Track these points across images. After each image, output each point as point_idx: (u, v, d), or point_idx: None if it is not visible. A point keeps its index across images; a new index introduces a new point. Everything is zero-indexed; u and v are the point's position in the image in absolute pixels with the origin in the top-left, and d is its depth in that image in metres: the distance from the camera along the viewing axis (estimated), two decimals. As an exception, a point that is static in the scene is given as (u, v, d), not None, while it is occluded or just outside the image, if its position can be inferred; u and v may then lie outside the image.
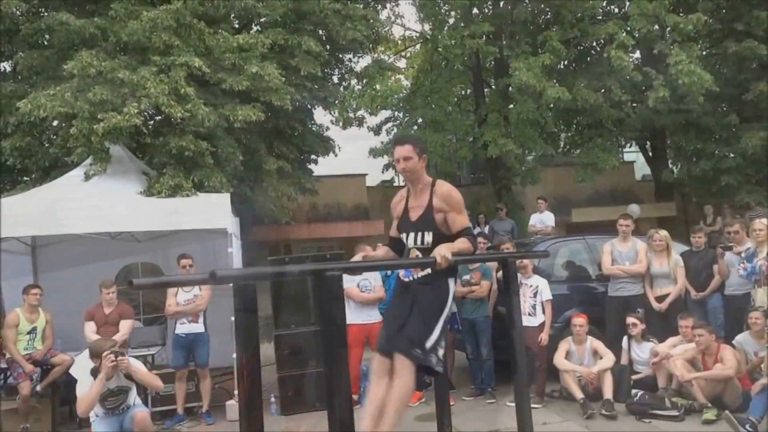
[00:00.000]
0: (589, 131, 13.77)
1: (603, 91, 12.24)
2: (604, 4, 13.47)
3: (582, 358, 5.61)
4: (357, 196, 15.71)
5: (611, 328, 5.98)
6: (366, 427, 2.79)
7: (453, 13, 14.65)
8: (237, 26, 9.43)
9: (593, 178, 12.95)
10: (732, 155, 12.26)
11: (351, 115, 15.36)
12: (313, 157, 11.49)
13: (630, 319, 5.67)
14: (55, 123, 7.92)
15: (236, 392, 5.79)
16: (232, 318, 5.72)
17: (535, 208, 10.64)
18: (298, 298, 6.03)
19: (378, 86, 15.64)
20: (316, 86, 9.37)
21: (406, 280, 3.06)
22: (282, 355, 5.93)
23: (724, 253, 5.94)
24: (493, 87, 14.66)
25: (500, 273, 5.65)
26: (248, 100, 7.87)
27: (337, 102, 12.00)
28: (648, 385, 5.39)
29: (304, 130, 10.56)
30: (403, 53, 18.07)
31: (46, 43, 8.47)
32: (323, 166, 12.27)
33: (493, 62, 14.69)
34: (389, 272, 6.29)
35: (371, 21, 10.51)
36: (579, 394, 5.30)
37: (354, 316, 5.65)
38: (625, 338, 5.77)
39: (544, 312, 5.74)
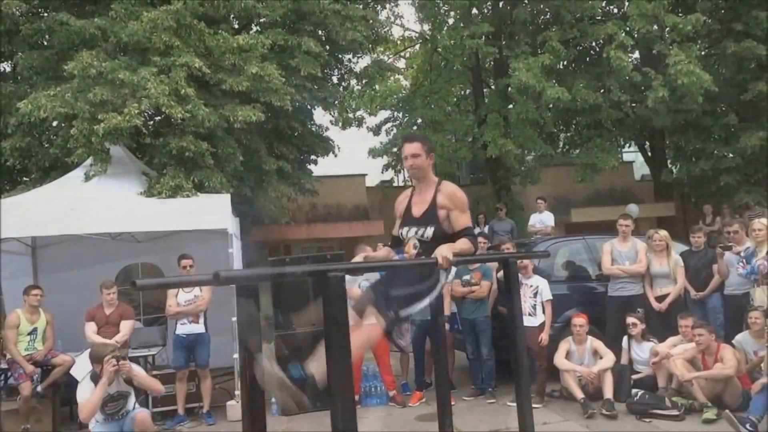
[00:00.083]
0: (589, 131, 13.79)
1: (602, 91, 12.26)
2: (604, 4, 13.49)
3: (582, 357, 5.63)
4: (357, 197, 15.72)
5: (611, 328, 5.99)
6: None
7: (452, 13, 14.67)
8: (237, 27, 9.43)
9: (592, 178, 12.97)
10: (731, 155, 12.27)
11: (350, 115, 15.39)
12: (312, 157, 11.48)
13: (630, 319, 5.68)
14: (55, 123, 7.91)
15: (237, 392, 5.81)
16: (233, 318, 5.79)
17: (534, 208, 10.65)
18: (299, 298, 6.03)
19: (377, 87, 15.67)
20: (315, 87, 9.37)
21: None
22: (282, 355, 5.93)
23: (724, 252, 5.95)
24: (493, 87, 14.67)
25: (500, 273, 5.69)
26: (248, 100, 7.87)
27: (336, 102, 12.00)
28: (648, 384, 5.40)
29: (303, 131, 10.55)
30: (402, 53, 18.08)
31: (46, 43, 8.45)
32: (323, 167, 12.28)
33: (492, 62, 14.70)
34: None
35: (371, 21, 10.51)
36: (579, 394, 5.31)
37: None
38: (625, 338, 5.78)
39: (544, 312, 5.76)
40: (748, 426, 4.35)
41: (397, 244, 3.23)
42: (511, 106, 13.18)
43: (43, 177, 8.07)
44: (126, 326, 5.95)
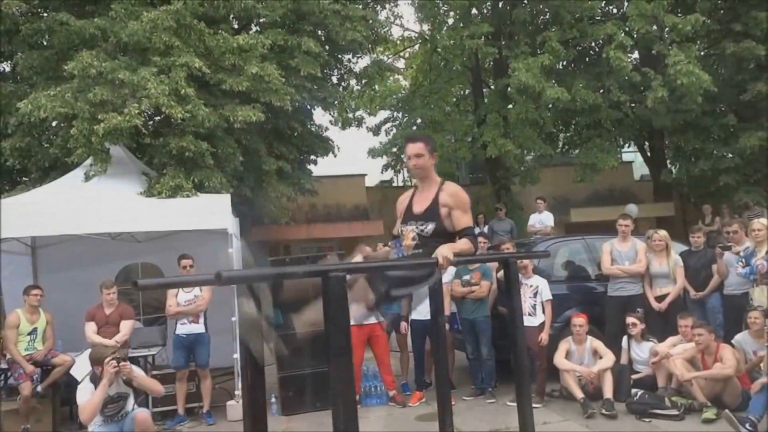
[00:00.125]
0: (588, 131, 13.80)
1: (602, 91, 12.28)
2: (603, 4, 13.51)
3: (582, 357, 5.63)
4: (356, 197, 15.73)
5: (611, 328, 6.00)
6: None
7: (452, 13, 14.68)
8: (236, 27, 9.44)
9: (592, 178, 12.98)
10: (730, 155, 12.30)
11: (350, 115, 15.40)
12: (312, 157, 11.49)
13: (630, 319, 5.69)
14: (54, 123, 7.91)
15: (237, 392, 5.82)
16: (233, 318, 5.79)
17: (534, 208, 10.66)
18: (299, 298, 6.03)
19: (377, 87, 15.68)
20: (315, 87, 9.37)
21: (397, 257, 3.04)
22: (282, 355, 5.93)
23: (723, 252, 5.96)
24: (492, 87, 14.68)
25: (500, 273, 5.70)
26: (248, 100, 7.88)
27: (336, 102, 12.00)
28: (648, 384, 5.41)
29: (303, 131, 10.56)
30: (402, 54, 18.09)
31: (46, 43, 8.45)
32: (323, 167, 12.29)
33: (492, 63, 14.72)
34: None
35: (371, 21, 10.52)
36: (579, 394, 5.32)
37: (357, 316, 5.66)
38: (624, 338, 5.79)
39: (544, 312, 5.77)
40: (747, 426, 4.35)
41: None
42: (510, 106, 13.19)
43: (43, 177, 8.07)
44: (126, 326, 5.96)
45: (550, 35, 11.92)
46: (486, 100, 14.46)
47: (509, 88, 12.29)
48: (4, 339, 5.78)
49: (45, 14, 8.41)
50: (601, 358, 5.55)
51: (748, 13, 11.57)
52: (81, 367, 5.15)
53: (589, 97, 11.61)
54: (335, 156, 11.39)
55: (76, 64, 6.95)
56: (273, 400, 5.97)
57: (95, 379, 4.34)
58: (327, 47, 9.69)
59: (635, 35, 12.23)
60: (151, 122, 8.10)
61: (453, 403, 3.70)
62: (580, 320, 5.65)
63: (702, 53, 12.85)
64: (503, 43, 13.22)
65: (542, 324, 5.72)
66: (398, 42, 17.05)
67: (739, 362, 5.04)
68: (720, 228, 9.45)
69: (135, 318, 6.42)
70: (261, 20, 9.34)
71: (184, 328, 5.93)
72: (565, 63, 13.62)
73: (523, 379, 3.06)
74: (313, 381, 5.82)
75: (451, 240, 2.97)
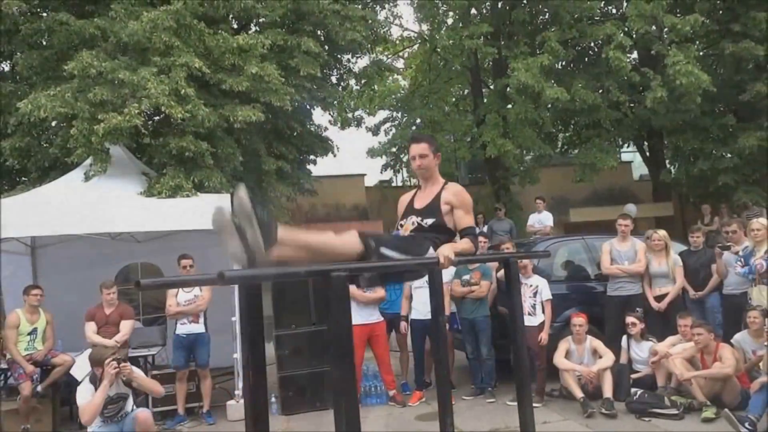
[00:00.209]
0: (587, 131, 13.82)
1: (601, 91, 12.29)
2: (602, 4, 13.52)
3: (582, 357, 5.65)
4: (356, 197, 15.74)
5: (610, 328, 6.02)
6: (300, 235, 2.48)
7: (451, 13, 14.69)
8: (236, 27, 9.43)
9: (591, 178, 13.00)
10: (729, 155, 12.33)
11: (349, 115, 15.40)
12: (312, 157, 11.48)
13: (629, 319, 5.70)
14: (54, 123, 7.90)
15: (237, 392, 5.82)
16: (233, 318, 5.79)
17: (533, 208, 10.68)
18: (299, 298, 6.04)
19: (376, 87, 15.67)
20: (315, 87, 9.37)
21: None
22: (282, 355, 5.94)
23: (722, 252, 5.98)
24: (492, 87, 14.69)
25: (500, 273, 5.71)
26: (248, 100, 7.88)
27: (335, 102, 12.00)
28: (647, 383, 5.42)
29: (303, 131, 10.55)
30: (401, 54, 18.10)
31: (46, 43, 8.43)
32: (322, 167, 12.28)
33: (491, 63, 14.73)
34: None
35: (370, 21, 10.52)
36: (579, 393, 5.33)
37: (355, 316, 5.67)
38: (624, 337, 5.80)
39: (543, 312, 5.78)
40: (746, 425, 4.37)
41: None
42: (510, 106, 13.20)
43: (43, 177, 8.06)
44: (126, 326, 5.96)
45: (549, 35, 11.93)
46: (485, 100, 14.47)
47: (508, 88, 12.29)
48: (4, 339, 5.78)
49: (45, 14, 8.40)
50: (600, 357, 5.56)
51: (747, 14, 11.59)
52: (81, 367, 5.15)
53: (588, 97, 11.62)
54: (335, 156, 11.39)
55: (76, 64, 6.94)
56: (273, 400, 5.97)
57: (95, 380, 4.34)
58: (326, 47, 9.69)
59: (634, 35, 12.24)
60: (150, 122, 8.09)
61: (453, 402, 3.71)
62: (579, 320, 5.66)
63: (701, 53, 12.88)
64: (502, 43, 13.23)
65: (542, 324, 5.73)
66: (397, 42, 17.05)
67: (738, 361, 5.06)
68: (719, 228, 9.46)
69: (135, 318, 6.42)
70: (261, 20, 9.33)
71: (184, 327, 5.93)
72: (564, 63, 13.63)
73: (523, 378, 3.06)
74: (313, 381, 5.83)
75: (449, 236, 2.97)
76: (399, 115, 16.31)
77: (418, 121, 14.86)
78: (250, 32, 9.05)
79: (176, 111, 6.98)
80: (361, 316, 5.77)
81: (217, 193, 7.23)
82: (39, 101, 6.84)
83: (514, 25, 13.17)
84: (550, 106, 12.51)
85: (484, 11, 14.11)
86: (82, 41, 7.72)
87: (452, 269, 5.65)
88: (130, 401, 4.52)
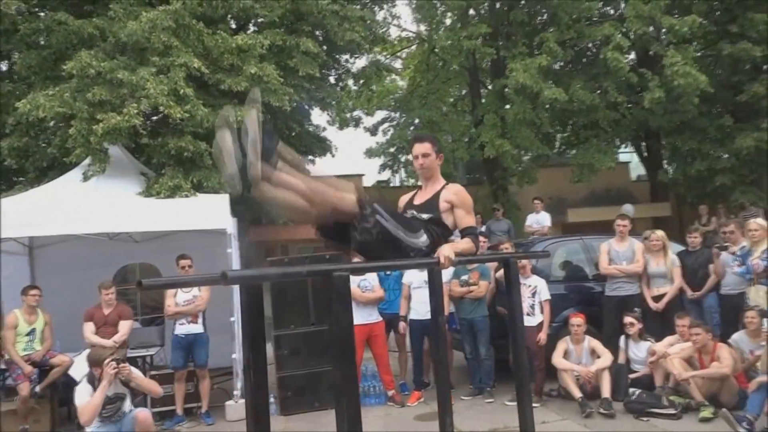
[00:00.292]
0: (585, 132, 13.86)
1: (599, 92, 12.33)
2: (600, 5, 13.56)
3: (580, 357, 5.65)
4: (354, 197, 15.71)
5: (609, 328, 6.02)
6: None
7: (450, 14, 14.71)
8: (235, 27, 9.44)
9: (589, 178, 13.04)
10: (726, 156, 12.37)
11: (347, 115, 15.41)
12: (310, 157, 11.49)
13: (627, 319, 5.71)
14: (53, 123, 7.90)
15: (235, 392, 5.82)
16: (231, 318, 5.78)
17: (531, 209, 10.69)
18: (298, 298, 6.04)
19: (374, 87, 15.68)
20: (313, 87, 9.39)
21: None
22: (281, 355, 5.94)
23: (720, 252, 5.99)
24: (490, 88, 14.72)
25: (499, 273, 5.72)
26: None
27: (334, 103, 12.02)
28: (645, 383, 5.43)
29: (301, 131, 10.57)
30: (399, 54, 18.11)
31: (44, 43, 8.44)
32: (321, 167, 12.28)
33: (489, 63, 14.76)
34: (388, 272, 6.33)
35: (368, 22, 10.54)
36: (577, 393, 5.34)
37: (354, 316, 5.66)
38: (622, 337, 5.81)
39: (542, 312, 5.79)
40: (744, 424, 4.39)
41: None
42: (508, 106, 13.23)
43: (41, 177, 8.06)
44: (124, 326, 5.94)
45: (547, 36, 11.97)
46: (483, 101, 14.49)
47: (507, 89, 12.33)
48: (3, 339, 5.76)
49: (43, 14, 8.41)
50: (598, 357, 5.57)
51: (744, 15, 11.64)
52: (79, 368, 5.14)
53: (586, 97, 11.66)
54: (333, 156, 11.41)
55: (74, 63, 6.94)
56: (272, 400, 5.97)
57: (93, 380, 4.33)
58: (325, 47, 9.71)
59: (632, 36, 12.28)
60: (149, 122, 8.09)
61: (452, 402, 3.71)
62: (578, 320, 5.67)
63: (698, 54, 12.92)
64: (501, 43, 13.26)
65: (540, 324, 5.74)
66: (396, 42, 17.08)
67: (736, 361, 5.07)
68: (716, 228, 9.49)
69: (133, 318, 6.41)
70: (259, 20, 9.34)
71: (183, 328, 5.92)
72: (562, 64, 13.67)
73: (523, 378, 3.07)
74: (312, 381, 5.83)
75: (445, 231, 2.97)
76: (397, 115, 16.33)
77: (417, 121, 14.87)
78: (248, 32, 9.07)
79: (175, 111, 6.98)
80: (360, 316, 5.76)
81: (215, 193, 7.24)
82: (37, 101, 6.83)
83: (512, 25, 13.20)
84: (548, 106, 12.54)
85: (483, 12, 14.14)
86: (81, 41, 7.72)
87: (451, 269, 5.65)
88: (128, 401, 4.51)
